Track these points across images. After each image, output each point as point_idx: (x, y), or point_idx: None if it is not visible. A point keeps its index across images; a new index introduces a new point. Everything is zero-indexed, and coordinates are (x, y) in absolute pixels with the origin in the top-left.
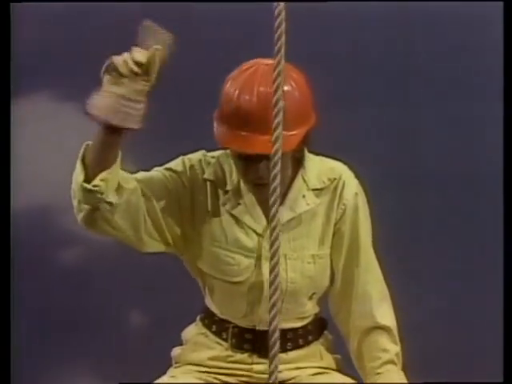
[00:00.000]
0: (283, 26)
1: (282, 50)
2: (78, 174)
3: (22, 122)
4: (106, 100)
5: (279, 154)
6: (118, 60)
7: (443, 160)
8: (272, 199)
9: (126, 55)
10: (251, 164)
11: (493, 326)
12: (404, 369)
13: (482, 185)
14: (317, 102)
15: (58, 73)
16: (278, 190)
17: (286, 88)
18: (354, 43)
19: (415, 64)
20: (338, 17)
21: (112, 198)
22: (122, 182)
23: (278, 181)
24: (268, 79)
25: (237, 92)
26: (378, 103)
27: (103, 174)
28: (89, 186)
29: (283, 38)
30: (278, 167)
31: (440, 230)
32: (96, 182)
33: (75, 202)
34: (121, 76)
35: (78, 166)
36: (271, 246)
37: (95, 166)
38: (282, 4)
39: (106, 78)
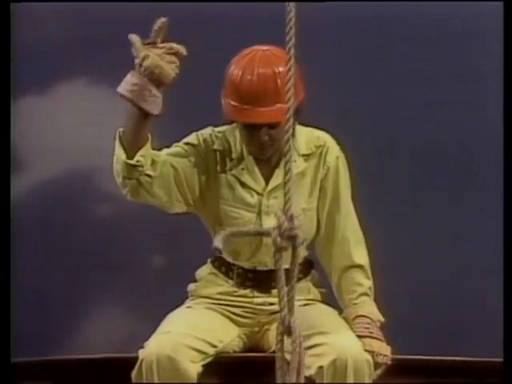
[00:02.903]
0: (293, 22)
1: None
2: (120, 154)
3: (55, 107)
4: (138, 88)
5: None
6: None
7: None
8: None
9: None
10: (253, 132)
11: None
12: (375, 300)
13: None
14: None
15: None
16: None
17: (281, 69)
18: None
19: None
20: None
21: (150, 170)
22: (154, 157)
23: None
24: (265, 62)
25: (240, 73)
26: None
27: (141, 151)
28: (132, 162)
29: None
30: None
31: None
32: (137, 157)
33: (120, 179)
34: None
35: (119, 148)
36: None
37: (133, 145)
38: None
39: (142, 71)
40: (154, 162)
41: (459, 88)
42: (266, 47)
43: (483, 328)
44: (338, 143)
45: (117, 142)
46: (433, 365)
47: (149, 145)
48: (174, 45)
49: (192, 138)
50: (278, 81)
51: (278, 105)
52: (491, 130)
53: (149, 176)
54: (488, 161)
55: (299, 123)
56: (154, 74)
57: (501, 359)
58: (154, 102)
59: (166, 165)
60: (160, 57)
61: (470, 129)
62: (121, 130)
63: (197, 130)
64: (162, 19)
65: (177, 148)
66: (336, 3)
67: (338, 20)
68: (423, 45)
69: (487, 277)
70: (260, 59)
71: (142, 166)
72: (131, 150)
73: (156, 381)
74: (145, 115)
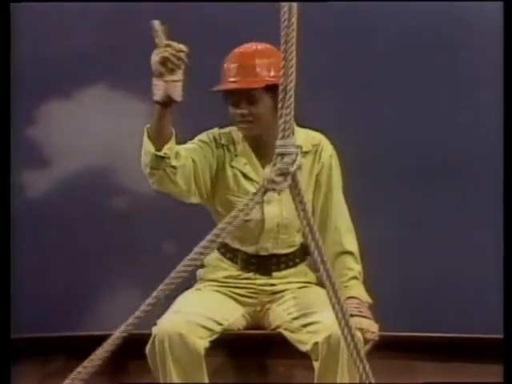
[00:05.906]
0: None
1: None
2: (149, 147)
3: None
4: (165, 86)
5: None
6: (167, 55)
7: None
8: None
9: (171, 50)
10: (235, 108)
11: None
12: (364, 283)
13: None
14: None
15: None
16: None
17: (259, 47)
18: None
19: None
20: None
21: (174, 162)
22: (178, 150)
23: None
24: (248, 48)
25: (227, 60)
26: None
27: (168, 144)
28: (161, 154)
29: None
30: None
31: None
32: (165, 150)
33: (148, 170)
34: (174, 67)
35: (147, 142)
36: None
37: (160, 139)
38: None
39: (158, 70)
40: (177, 155)
41: (458, 88)
42: (259, 44)
43: (471, 309)
44: (332, 143)
45: (145, 137)
46: (418, 341)
47: (173, 139)
48: (174, 43)
49: (203, 136)
50: (256, 59)
51: (252, 78)
52: (491, 130)
53: (173, 167)
54: (487, 159)
55: (297, 125)
56: (156, 69)
57: (501, 336)
58: (164, 92)
59: (188, 158)
60: (161, 54)
61: (468, 128)
62: (148, 125)
63: (202, 131)
64: (154, 21)
65: (193, 145)
66: (334, 3)
67: (335, 20)
68: (422, 45)
69: (479, 260)
70: (245, 46)
71: (169, 158)
72: (159, 142)
73: (167, 355)
74: (160, 105)
